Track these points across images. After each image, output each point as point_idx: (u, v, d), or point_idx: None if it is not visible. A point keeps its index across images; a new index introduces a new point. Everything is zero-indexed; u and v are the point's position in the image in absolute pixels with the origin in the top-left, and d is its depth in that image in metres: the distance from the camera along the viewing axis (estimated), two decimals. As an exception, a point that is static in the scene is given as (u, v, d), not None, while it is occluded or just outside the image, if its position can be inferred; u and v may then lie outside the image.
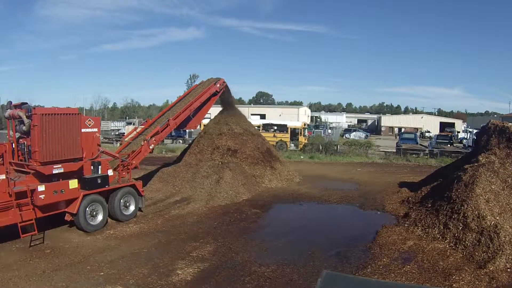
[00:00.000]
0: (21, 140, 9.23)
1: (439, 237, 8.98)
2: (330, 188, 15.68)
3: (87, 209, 9.46)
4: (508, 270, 7.26)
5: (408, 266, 7.52)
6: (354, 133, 55.56)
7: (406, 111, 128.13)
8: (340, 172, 20.49)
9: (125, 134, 18.73)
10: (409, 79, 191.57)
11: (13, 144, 9.22)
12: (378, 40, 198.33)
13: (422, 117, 70.61)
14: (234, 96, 19.69)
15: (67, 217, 9.36)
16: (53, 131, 8.77)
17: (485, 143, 12.14)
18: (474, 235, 8.36)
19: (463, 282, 6.85)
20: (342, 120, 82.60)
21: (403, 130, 51.24)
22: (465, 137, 42.86)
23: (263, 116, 54.90)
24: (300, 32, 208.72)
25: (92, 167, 9.88)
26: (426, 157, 26.73)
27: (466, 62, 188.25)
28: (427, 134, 59.03)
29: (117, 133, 47.48)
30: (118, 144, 23.58)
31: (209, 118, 21.90)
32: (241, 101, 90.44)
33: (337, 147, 29.33)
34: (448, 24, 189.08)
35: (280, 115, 58.98)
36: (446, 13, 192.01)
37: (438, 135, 38.68)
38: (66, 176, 9.15)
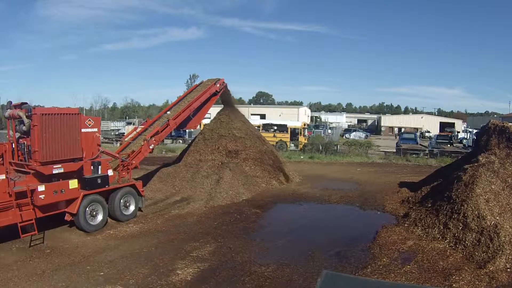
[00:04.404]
0: (21, 140, 9.23)
1: (439, 237, 8.98)
2: (330, 188, 15.68)
3: (87, 209, 9.46)
4: (508, 270, 7.26)
5: (408, 266, 7.52)
6: (354, 133, 55.60)
7: (406, 111, 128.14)
8: (340, 172, 20.49)
9: (125, 134, 18.72)
10: (409, 79, 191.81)
11: (13, 144, 9.21)
12: (378, 40, 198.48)
13: (422, 117, 70.59)
14: (234, 96, 19.71)
15: (67, 217, 9.37)
16: (53, 131, 8.76)
17: (485, 143, 12.14)
18: (474, 235, 8.36)
19: (463, 282, 6.85)
20: (342, 120, 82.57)
21: (403, 130, 51.27)
22: (465, 137, 42.89)
23: (263, 116, 54.87)
24: (300, 32, 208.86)
25: (92, 167, 9.88)
26: (426, 157, 26.73)
27: (466, 62, 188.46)
28: (427, 134, 59.00)
29: (117, 133, 47.48)
30: (118, 144, 23.57)
31: (209, 118, 21.89)
32: (241, 101, 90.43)
33: (337, 147, 29.32)
34: (448, 24, 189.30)
35: (280, 115, 58.96)
36: (446, 13, 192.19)
37: (438, 135, 38.69)
38: (66, 176, 9.15)
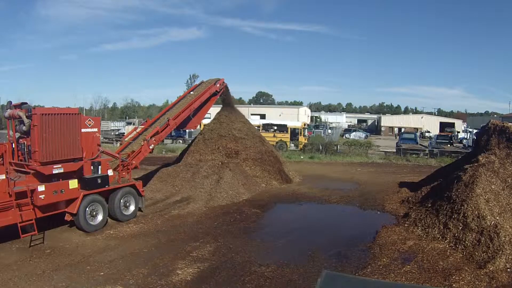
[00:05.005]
0: (21, 140, 9.23)
1: (439, 237, 8.99)
2: (330, 188, 15.68)
3: (87, 209, 9.46)
4: (508, 270, 7.26)
5: (408, 266, 7.52)
6: (354, 133, 55.64)
7: (406, 111, 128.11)
8: (340, 172, 20.49)
9: (125, 134, 18.74)
10: (409, 79, 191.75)
11: (13, 144, 9.21)
12: (378, 40, 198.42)
13: (422, 117, 70.60)
14: (234, 96, 19.75)
15: (67, 217, 9.37)
16: (53, 131, 8.76)
17: (485, 143, 12.14)
18: (474, 235, 8.37)
19: (463, 282, 6.85)
20: (342, 120, 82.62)
21: (403, 130, 51.24)
22: (465, 137, 42.90)
23: (263, 116, 54.88)
24: (300, 32, 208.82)
25: (92, 167, 9.88)
26: (426, 157, 26.76)
27: (466, 62, 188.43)
28: (427, 134, 59.04)
29: (117, 133, 47.47)
30: (118, 144, 23.58)
31: (209, 118, 21.90)
32: (241, 101, 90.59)
33: (337, 147, 29.36)
34: (448, 24, 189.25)
35: (280, 115, 58.96)
36: (446, 13, 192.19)
37: (438, 135, 38.71)
38: (66, 176, 9.15)
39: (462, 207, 9.07)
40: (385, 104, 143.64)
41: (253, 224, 10.68)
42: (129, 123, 51.29)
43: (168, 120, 13.38)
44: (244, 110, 29.59)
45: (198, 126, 21.14)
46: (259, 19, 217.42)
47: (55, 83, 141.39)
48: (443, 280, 6.95)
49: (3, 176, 8.12)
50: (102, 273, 7.11)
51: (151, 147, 12.46)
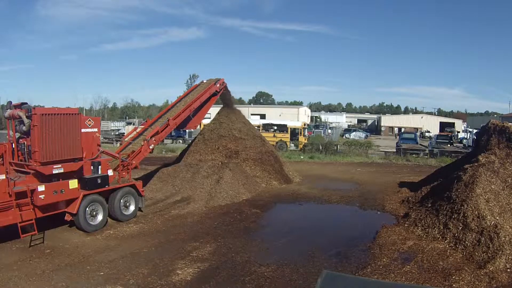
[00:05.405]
0: (21, 140, 9.23)
1: (439, 237, 8.98)
2: (330, 188, 15.67)
3: (87, 209, 9.46)
4: (508, 270, 7.26)
5: (408, 266, 7.52)
6: (354, 133, 55.68)
7: (406, 111, 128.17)
8: (340, 172, 20.49)
9: (125, 134, 18.73)
10: (409, 79, 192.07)
11: (13, 144, 9.21)
12: (378, 40, 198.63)
13: (422, 117, 70.60)
14: (234, 96, 19.75)
15: (67, 217, 9.36)
16: (53, 131, 8.76)
17: (485, 143, 12.15)
18: (474, 235, 8.36)
19: (463, 282, 6.85)
20: (342, 120, 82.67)
21: (403, 130, 51.22)
22: (465, 137, 42.95)
23: (263, 116, 54.89)
24: (300, 32, 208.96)
25: (92, 167, 9.87)
26: (426, 157, 26.76)
27: (466, 62, 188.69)
28: (427, 134, 59.04)
29: (117, 133, 47.48)
30: (118, 144, 23.57)
31: (209, 118, 21.90)
32: (241, 101, 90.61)
33: (337, 147, 29.36)
34: (448, 24, 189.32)
35: (280, 115, 58.96)
36: (446, 13, 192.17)
37: (438, 135, 38.73)
38: (66, 176, 9.14)
39: (462, 207, 9.07)
40: (385, 104, 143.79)
41: (253, 224, 10.68)
42: (129, 123, 51.35)
43: (168, 120, 13.39)
44: (244, 110, 29.54)
45: (198, 126, 21.14)
46: (259, 19, 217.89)
47: (55, 83, 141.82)
48: (443, 280, 6.95)
49: (3, 176, 8.12)
50: (102, 273, 7.11)
51: (151, 147, 12.47)
